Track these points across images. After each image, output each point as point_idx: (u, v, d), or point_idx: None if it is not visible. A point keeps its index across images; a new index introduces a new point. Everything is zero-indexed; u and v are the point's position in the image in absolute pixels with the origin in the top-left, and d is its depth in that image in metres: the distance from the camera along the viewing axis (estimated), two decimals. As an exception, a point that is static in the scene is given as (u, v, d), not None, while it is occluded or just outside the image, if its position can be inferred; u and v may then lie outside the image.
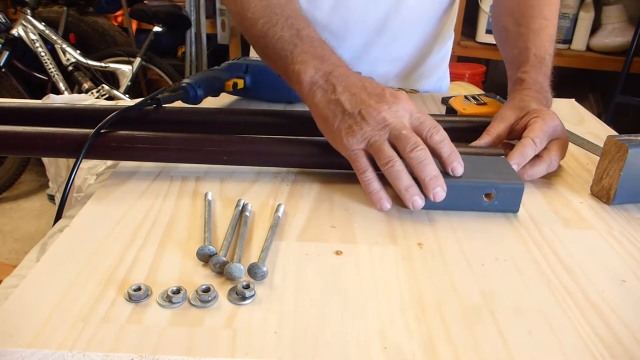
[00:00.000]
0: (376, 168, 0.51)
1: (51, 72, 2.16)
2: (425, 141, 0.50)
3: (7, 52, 2.09)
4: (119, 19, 2.68)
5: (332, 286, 0.40)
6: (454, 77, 2.01)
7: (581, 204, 0.55)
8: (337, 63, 0.56)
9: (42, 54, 2.14)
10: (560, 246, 0.47)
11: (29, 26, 2.12)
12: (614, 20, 2.09)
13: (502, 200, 0.51)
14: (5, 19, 2.09)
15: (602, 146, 0.56)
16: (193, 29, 2.45)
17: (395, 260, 0.44)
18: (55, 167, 0.90)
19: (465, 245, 0.47)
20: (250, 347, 0.34)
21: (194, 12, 2.43)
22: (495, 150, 0.59)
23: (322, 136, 0.55)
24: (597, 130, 0.76)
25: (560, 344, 0.36)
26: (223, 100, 0.81)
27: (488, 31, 2.15)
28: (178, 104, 0.67)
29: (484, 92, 0.83)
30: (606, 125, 0.78)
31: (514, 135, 0.61)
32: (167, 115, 0.64)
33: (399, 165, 0.49)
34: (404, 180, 0.49)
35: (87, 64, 2.19)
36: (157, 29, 2.22)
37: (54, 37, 2.15)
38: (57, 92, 2.15)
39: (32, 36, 2.12)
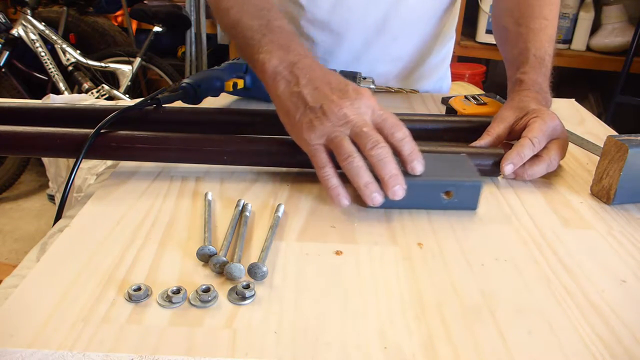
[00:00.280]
0: (337, 165, 0.50)
1: (51, 72, 2.16)
2: (386, 139, 0.50)
3: (7, 52, 2.09)
4: (119, 19, 2.68)
5: (332, 286, 0.40)
6: (454, 77, 2.01)
7: (581, 204, 0.55)
8: (304, 54, 0.55)
9: (42, 54, 2.14)
10: (560, 246, 0.47)
11: (29, 26, 2.12)
12: (614, 20, 2.08)
13: (461, 197, 0.51)
14: (5, 19, 2.09)
15: (602, 146, 0.56)
16: (193, 29, 2.45)
17: (395, 260, 0.44)
18: (55, 167, 0.90)
19: (465, 245, 0.47)
20: (250, 347, 0.34)
21: (194, 12, 2.43)
22: (495, 151, 0.59)
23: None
24: (597, 130, 0.76)
25: (560, 344, 0.36)
26: (223, 100, 0.81)
27: (488, 31, 2.15)
28: (178, 104, 0.67)
29: (484, 92, 0.83)
30: (606, 125, 0.78)
31: (513, 136, 0.61)
32: (167, 115, 0.64)
33: (358, 161, 0.49)
34: (363, 177, 0.49)
35: (87, 64, 2.19)
36: (157, 29, 2.22)
37: (54, 37, 2.15)
38: (57, 92, 2.15)
39: (32, 36, 2.12)
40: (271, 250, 0.44)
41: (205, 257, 0.43)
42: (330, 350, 0.34)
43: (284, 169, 0.59)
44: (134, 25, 2.61)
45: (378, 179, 0.49)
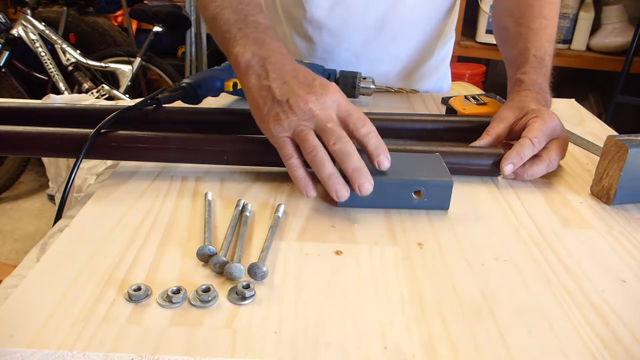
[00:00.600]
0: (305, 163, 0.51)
1: (51, 72, 2.16)
2: (351, 134, 0.50)
3: (7, 52, 2.10)
4: (119, 19, 2.68)
5: (332, 286, 0.40)
6: (454, 77, 2.01)
7: (581, 204, 0.55)
8: (276, 50, 0.55)
9: (42, 54, 2.14)
10: (560, 246, 0.47)
11: (29, 26, 2.12)
12: (614, 20, 2.09)
13: (432, 197, 0.51)
14: (5, 19, 2.10)
15: (602, 146, 0.56)
16: (193, 29, 2.45)
17: (395, 260, 0.44)
18: (55, 167, 0.90)
19: (465, 245, 0.47)
20: (250, 347, 0.34)
21: (194, 12, 2.43)
22: (495, 151, 0.59)
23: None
24: (597, 130, 0.76)
25: (560, 344, 0.36)
26: (223, 100, 0.81)
27: (488, 31, 2.16)
28: (178, 104, 0.67)
29: (484, 92, 0.83)
30: (606, 125, 0.78)
31: (513, 136, 0.61)
32: (167, 115, 0.64)
33: (322, 154, 0.49)
34: (326, 169, 0.49)
35: (87, 64, 2.19)
36: (157, 29, 2.22)
37: (54, 37, 2.16)
38: (57, 92, 2.15)
39: (32, 36, 2.12)
40: (271, 250, 0.44)
41: (205, 257, 0.43)
42: (330, 350, 0.34)
43: (284, 169, 0.59)
44: (134, 25, 2.61)
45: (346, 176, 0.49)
